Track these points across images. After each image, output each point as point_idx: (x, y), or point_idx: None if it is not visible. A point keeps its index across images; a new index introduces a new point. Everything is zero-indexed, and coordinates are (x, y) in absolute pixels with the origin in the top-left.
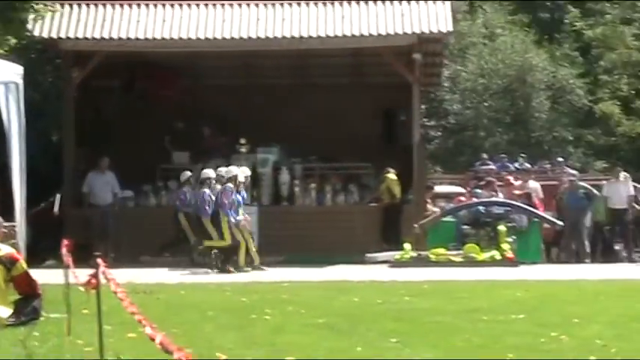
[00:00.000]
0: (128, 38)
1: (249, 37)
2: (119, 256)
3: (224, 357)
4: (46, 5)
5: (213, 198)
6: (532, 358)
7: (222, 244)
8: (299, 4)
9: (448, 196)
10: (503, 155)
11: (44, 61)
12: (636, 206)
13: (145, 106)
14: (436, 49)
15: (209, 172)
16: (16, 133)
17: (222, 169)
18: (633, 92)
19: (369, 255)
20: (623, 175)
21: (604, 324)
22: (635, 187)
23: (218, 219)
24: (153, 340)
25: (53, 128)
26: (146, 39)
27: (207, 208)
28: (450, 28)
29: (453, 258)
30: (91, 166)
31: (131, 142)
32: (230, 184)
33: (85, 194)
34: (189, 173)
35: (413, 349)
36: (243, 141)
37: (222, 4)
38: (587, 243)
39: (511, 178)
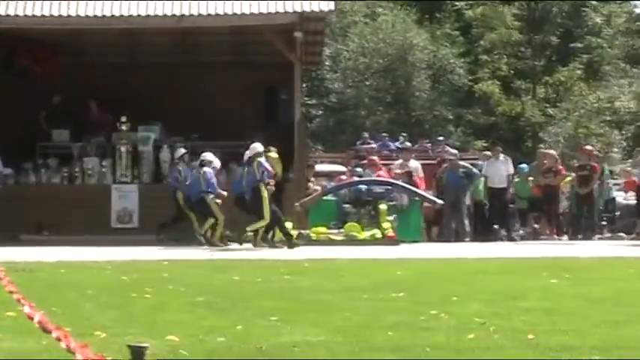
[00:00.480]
0: (7, 15)
1: (130, 15)
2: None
3: (103, 335)
4: None
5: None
6: (410, 335)
7: (263, 223)
8: None
9: (329, 175)
10: (384, 134)
11: None
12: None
13: (25, 83)
14: (318, 28)
15: (209, 156)
16: None
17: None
18: (513, 72)
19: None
20: (502, 155)
21: (483, 302)
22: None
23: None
24: (31, 318)
25: None
26: (26, 16)
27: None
28: (332, 7)
29: (333, 237)
30: None
31: (11, 119)
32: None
33: None
34: (183, 150)
35: (292, 327)
36: (124, 119)
37: None
38: (466, 222)
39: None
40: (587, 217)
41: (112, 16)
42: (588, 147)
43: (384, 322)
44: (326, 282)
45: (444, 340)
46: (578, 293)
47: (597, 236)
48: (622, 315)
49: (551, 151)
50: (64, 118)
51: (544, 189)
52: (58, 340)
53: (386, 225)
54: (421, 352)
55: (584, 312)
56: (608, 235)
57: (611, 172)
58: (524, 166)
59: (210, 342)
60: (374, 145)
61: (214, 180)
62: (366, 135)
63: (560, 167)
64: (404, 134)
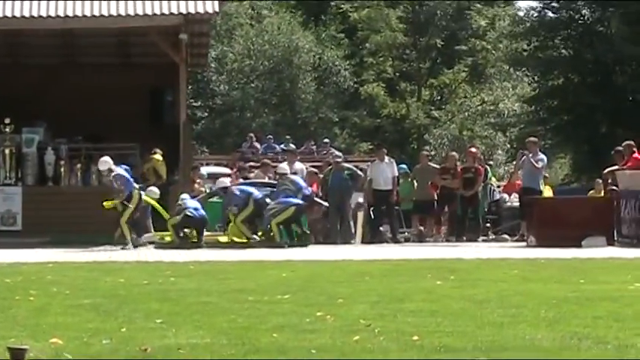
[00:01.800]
0: None
1: (14, 16)
2: None
3: None
4: None
5: None
6: (296, 337)
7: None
8: None
9: (215, 177)
10: (269, 136)
11: None
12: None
13: None
14: (203, 30)
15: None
16: None
17: None
18: (398, 74)
19: (135, 237)
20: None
21: (368, 304)
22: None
23: None
24: None
25: None
26: None
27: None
28: (217, 9)
29: (219, 239)
30: None
31: None
32: None
33: None
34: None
35: (177, 330)
36: (7, 120)
37: None
38: (352, 224)
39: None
40: (472, 218)
41: None
42: (473, 149)
43: (269, 324)
44: (211, 284)
45: (330, 342)
46: (462, 295)
47: (482, 238)
48: (506, 316)
49: (473, 149)
50: None
51: (441, 190)
52: None
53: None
54: (306, 354)
55: (469, 313)
56: (493, 236)
57: (494, 174)
58: (403, 166)
59: (96, 344)
60: (259, 147)
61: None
62: (252, 135)
63: (480, 167)
64: (288, 136)
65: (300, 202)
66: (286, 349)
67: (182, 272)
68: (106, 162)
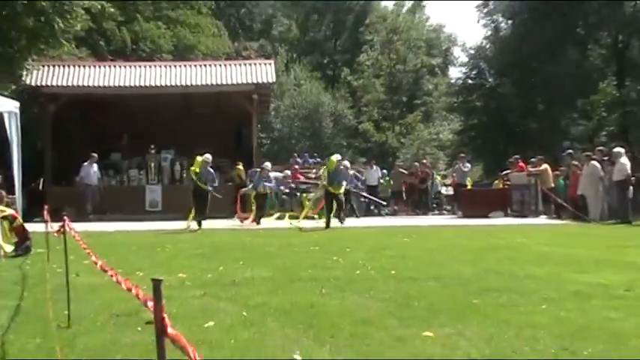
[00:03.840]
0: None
1: (154, 85)
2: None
3: (141, 274)
4: (32, 65)
5: None
6: (322, 272)
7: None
8: (189, 66)
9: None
10: (305, 154)
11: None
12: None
13: None
14: (266, 92)
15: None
16: (15, 143)
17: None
18: (380, 117)
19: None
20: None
21: (364, 252)
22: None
23: None
24: (96, 264)
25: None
26: None
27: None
28: (273, 80)
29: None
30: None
31: None
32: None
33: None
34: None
35: (252, 268)
36: (152, 146)
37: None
38: (355, 205)
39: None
40: (424, 201)
41: (142, 86)
42: (424, 161)
43: (305, 264)
44: (272, 241)
45: (341, 274)
46: (420, 246)
47: (430, 213)
48: (444, 259)
49: (425, 160)
50: None
51: (408, 185)
52: (112, 276)
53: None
54: (327, 281)
55: (423, 257)
56: (437, 212)
57: (439, 175)
58: (384, 171)
59: (203, 277)
60: (299, 160)
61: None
62: (295, 154)
63: (429, 172)
64: (315, 154)
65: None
66: (316, 278)
67: (254, 234)
68: (208, 157)
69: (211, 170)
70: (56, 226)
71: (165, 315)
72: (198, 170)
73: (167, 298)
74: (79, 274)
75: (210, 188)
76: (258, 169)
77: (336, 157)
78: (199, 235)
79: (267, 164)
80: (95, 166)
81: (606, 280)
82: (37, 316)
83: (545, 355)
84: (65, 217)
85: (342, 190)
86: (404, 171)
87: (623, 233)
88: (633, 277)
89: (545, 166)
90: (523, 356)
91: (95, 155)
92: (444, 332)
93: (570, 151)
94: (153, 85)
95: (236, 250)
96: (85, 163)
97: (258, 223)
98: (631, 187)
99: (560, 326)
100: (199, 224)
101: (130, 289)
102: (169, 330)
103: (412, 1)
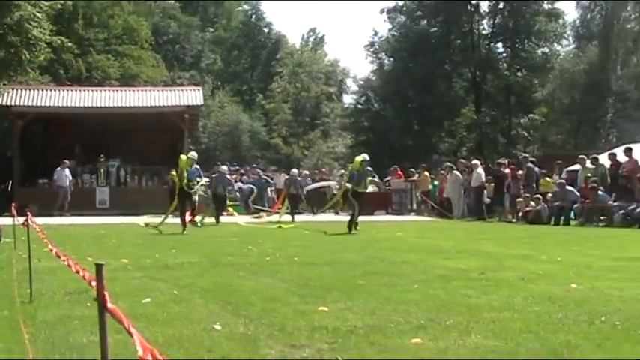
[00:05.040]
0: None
1: (103, 106)
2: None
3: (90, 259)
4: (3, 88)
5: None
6: (241, 259)
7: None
8: (133, 90)
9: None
10: (227, 163)
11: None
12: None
13: None
14: (195, 113)
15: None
16: None
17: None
18: (288, 134)
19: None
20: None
21: (273, 242)
22: None
23: None
24: (51, 251)
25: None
26: None
27: None
28: (201, 103)
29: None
30: None
31: None
32: None
33: None
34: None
35: (182, 255)
36: (102, 156)
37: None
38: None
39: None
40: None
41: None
42: (323, 169)
43: (225, 252)
44: (198, 232)
45: (254, 260)
46: (318, 238)
47: (328, 212)
48: (338, 248)
49: (323, 169)
50: None
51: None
52: (64, 261)
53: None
54: (243, 266)
55: (321, 246)
56: (333, 211)
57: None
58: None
59: (142, 262)
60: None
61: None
62: (219, 163)
63: (325, 178)
64: (235, 163)
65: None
66: (234, 263)
67: (190, 229)
68: (194, 155)
69: (197, 167)
70: (22, 220)
71: (105, 292)
72: (188, 169)
73: (112, 279)
74: (40, 260)
75: (197, 187)
76: (215, 174)
77: (362, 158)
78: (139, 226)
79: (224, 168)
80: (67, 171)
81: (465, 265)
82: (4, 294)
83: (415, 325)
84: (29, 213)
85: (367, 190)
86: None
87: (479, 229)
88: (486, 264)
89: (425, 173)
90: (399, 326)
91: (67, 162)
92: (336, 307)
93: (448, 164)
94: (103, 105)
95: (169, 240)
96: (58, 169)
97: (217, 222)
98: (485, 192)
99: (428, 301)
100: (201, 223)
101: (78, 272)
102: (109, 305)
103: (314, 40)
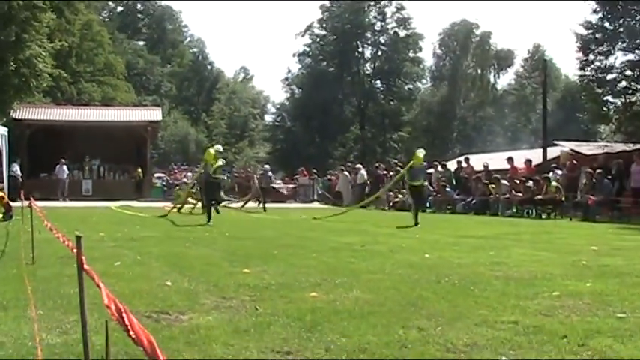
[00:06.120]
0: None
1: (83, 120)
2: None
3: (78, 232)
4: (16, 106)
5: None
6: (188, 234)
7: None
8: (110, 109)
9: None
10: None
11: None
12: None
13: None
14: (156, 126)
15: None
16: (5, 153)
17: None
18: (225, 143)
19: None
20: None
21: (213, 222)
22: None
23: None
24: (47, 226)
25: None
26: None
27: None
28: (160, 119)
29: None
30: None
31: None
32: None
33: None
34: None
35: (145, 231)
36: (87, 157)
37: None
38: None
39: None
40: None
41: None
42: (249, 169)
43: (177, 230)
44: (159, 215)
45: (197, 235)
46: (244, 219)
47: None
48: (259, 226)
49: (249, 169)
50: None
51: (239, 184)
52: (56, 234)
53: None
54: (188, 239)
55: (246, 226)
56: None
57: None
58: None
59: (115, 235)
60: (175, 167)
61: None
62: (173, 164)
63: (250, 176)
64: (185, 163)
65: None
66: (183, 237)
67: (148, 212)
68: (219, 147)
69: (223, 160)
70: (27, 203)
71: (83, 257)
72: (213, 163)
73: (92, 247)
74: (40, 232)
75: (224, 177)
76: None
77: (422, 153)
78: (110, 210)
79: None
80: (65, 167)
81: (350, 240)
82: (14, 257)
83: (313, 283)
84: (32, 199)
85: (423, 185)
86: (236, 175)
87: (361, 214)
88: (365, 239)
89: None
90: (301, 284)
91: (64, 160)
92: (255, 270)
93: (340, 167)
94: (89, 120)
95: (136, 220)
96: (58, 165)
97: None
98: (367, 188)
99: (323, 266)
100: (217, 210)
101: (64, 242)
102: (85, 266)
103: (244, 75)
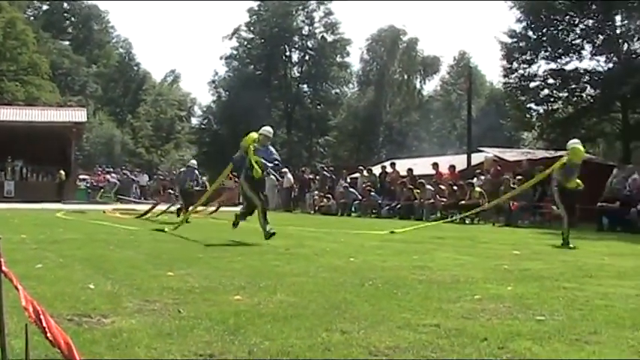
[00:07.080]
0: None
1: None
2: None
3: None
4: None
5: None
6: (111, 237)
7: None
8: (34, 110)
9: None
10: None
11: None
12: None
13: None
14: (81, 127)
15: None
16: None
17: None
18: (150, 145)
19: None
20: None
21: (137, 226)
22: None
23: None
24: None
25: None
26: None
27: None
28: (85, 120)
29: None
30: None
31: None
32: None
33: None
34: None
35: (67, 233)
36: (9, 157)
37: None
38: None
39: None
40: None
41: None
42: (174, 172)
43: (101, 232)
44: (82, 218)
45: (121, 238)
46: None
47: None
48: (184, 230)
49: (174, 172)
50: None
51: (164, 187)
52: None
53: None
54: (112, 242)
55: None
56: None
57: None
58: (147, 176)
59: (37, 237)
60: (100, 169)
61: None
62: (98, 165)
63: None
64: (110, 165)
65: None
66: (106, 240)
67: (71, 215)
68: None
69: (272, 149)
70: None
71: (2, 259)
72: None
73: (13, 249)
74: None
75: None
76: (183, 168)
77: (580, 145)
78: (42, 211)
79: (193, 162)
80: None
81: (275, 243)
82: None
83: (237, 286)
84: None
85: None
86: (161, 177)
87: (287, 217)
88: (290, 242)
89: None
90: (225, 287)
91: None
92: (180, 273)
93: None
94: (11, 120)
95: (60, 222)
96: None
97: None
98: (293, 193)
99: (248, 270)
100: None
101: None
102: (3, 268)
103: (172, 77)
